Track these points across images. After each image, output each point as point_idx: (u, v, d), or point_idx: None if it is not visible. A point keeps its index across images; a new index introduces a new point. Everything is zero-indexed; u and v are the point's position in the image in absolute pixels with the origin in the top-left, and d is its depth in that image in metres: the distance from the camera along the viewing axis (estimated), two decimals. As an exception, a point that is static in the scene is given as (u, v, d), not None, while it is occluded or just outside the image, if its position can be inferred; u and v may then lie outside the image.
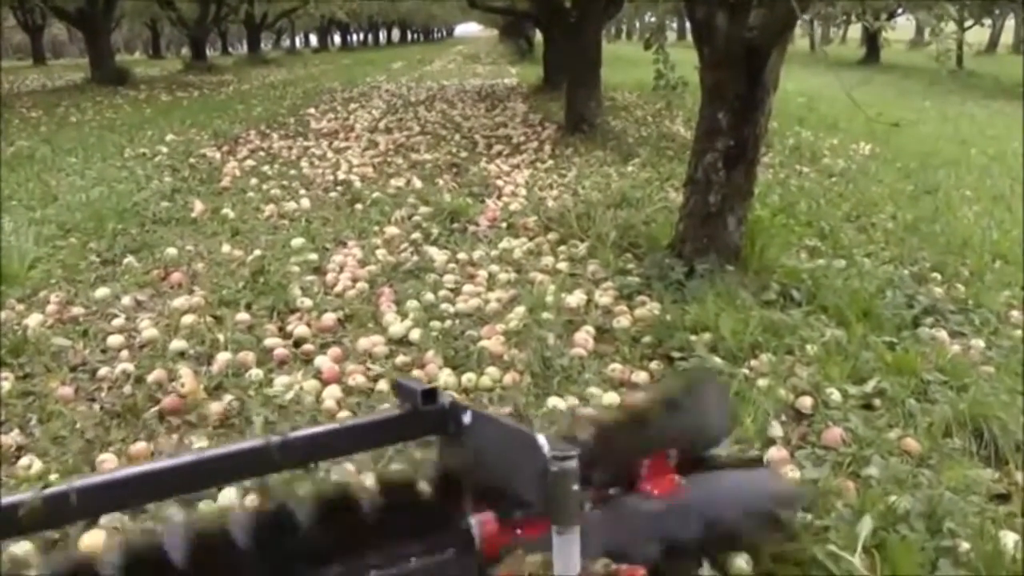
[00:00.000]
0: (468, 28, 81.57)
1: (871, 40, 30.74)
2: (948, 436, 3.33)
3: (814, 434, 3.38)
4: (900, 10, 27.86)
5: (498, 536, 2.13)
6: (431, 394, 2.29)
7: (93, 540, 2.42)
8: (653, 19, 13.00)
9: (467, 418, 2.23)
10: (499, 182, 7.99)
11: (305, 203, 7.19)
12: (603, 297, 4.81)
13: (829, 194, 7.62)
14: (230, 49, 48.40)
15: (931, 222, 6.58)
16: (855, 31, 31.58)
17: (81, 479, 2.09)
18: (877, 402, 3.62)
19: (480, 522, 2.14)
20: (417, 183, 7.92)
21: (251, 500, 2.59)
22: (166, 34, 45.14)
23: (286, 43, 53.84)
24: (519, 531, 2.15)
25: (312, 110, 14.78)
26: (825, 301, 4.60)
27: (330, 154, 9.83)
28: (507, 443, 2.08)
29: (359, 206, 7.10)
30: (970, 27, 29.55)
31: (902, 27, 31.11)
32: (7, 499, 1.87)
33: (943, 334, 4.37)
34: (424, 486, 2.23)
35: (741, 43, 4.63)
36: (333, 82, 21.94)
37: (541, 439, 1.90)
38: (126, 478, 2.07)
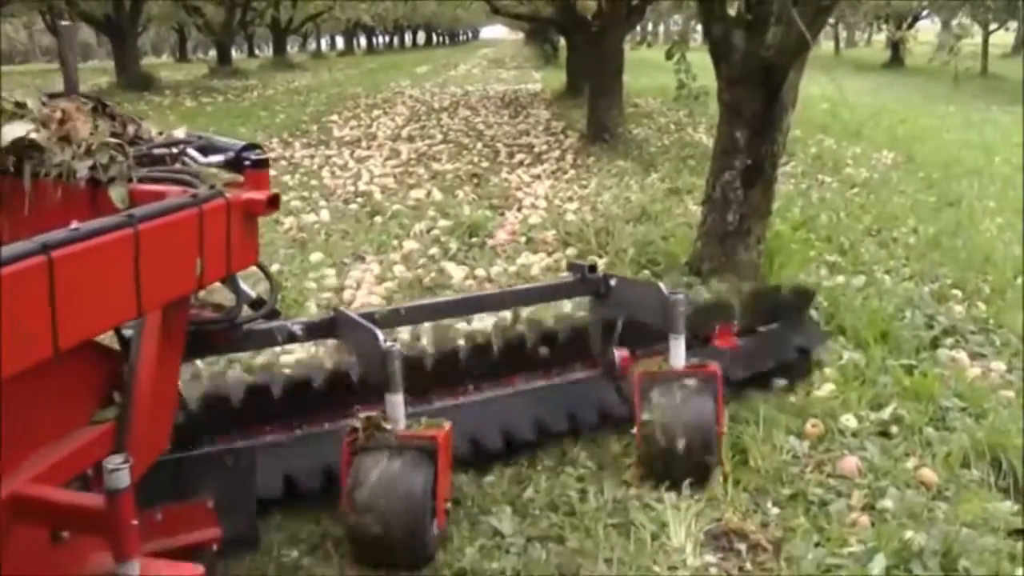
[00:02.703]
0: (494, 31, 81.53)
1: (895, 44, 30.54)
2: (966, 466, 3.29)
3: (830, 463, 3.35)
4: (925, 12, 27.57)
5: (627, 362, 3.58)
6: (593, 268, 3.72)
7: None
8: (678, 23, 12.96)
9: (613, 282, 3.66)
10: (519, 194, 8.00)
11: (325, 215, 7.21)
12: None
13: (850, 206, 7.57)
14: (256, 52, 48.54)
15: (953, 236, 6.52)
16: (881, 32, 31.37)
17: (407, 304, 3.83)
18: (894, 429, 3.59)
19: (618, 353, 3.61)
20: (437, 195, 7.92)
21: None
22: (193, 37, 45.29)
23: (312, 46, 54.00)
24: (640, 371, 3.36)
25: (335, 117, 14.84)
26: (843, 322, 4.56)
27: (352, 164, 9.86)
28: (640, 293, 3.59)
29: (379, 218, 7.11)
30: (994, 31, 29.30)
31: (928, 29, 30.94)
32: (370, 309, 3.66)
33: (963, 356, 4.33)
34: (587, 329, 3.73)
35: (758, 61, 4.61)
36: (357, 87, 22.01)
37: (662, 285, 3.43)
38: (424, 305, 3.71)
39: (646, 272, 5.44)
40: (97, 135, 2.36)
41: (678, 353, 3.27)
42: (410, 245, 6.19)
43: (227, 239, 2.30)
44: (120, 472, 1.89)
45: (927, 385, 3.85)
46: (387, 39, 61.82)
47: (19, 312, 1.72)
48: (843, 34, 44.06)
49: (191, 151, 2.52)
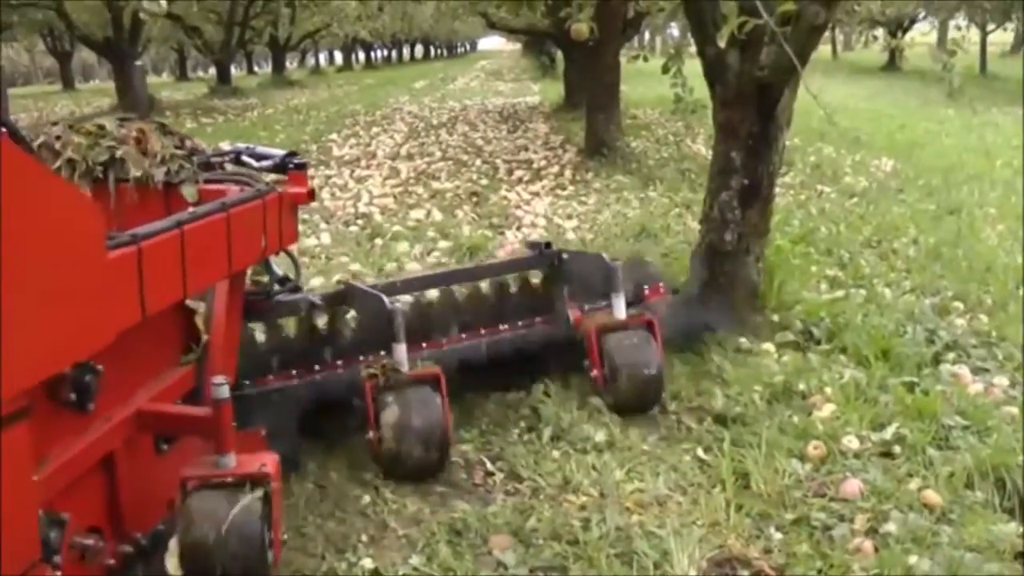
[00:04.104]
0: (491, 42, 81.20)
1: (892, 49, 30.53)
2: (969, 487, 3.28)
3: (832, 485, 3.34)
4: (921, 15, 27.45)
5: (579, 318, 4.18)
6: (548, 245, 4.33)
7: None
8: (674, 37, 12.97)
9: (565, 256, 4.29)
10: (519, 212, 7.99)
11: (325, 238, 7.20)
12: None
13: (850, 217, 7.56)
14: (256, 68, 48.60)
15: (953, 246, 6.50)
16: (877, 40, 31.40)
17: (400, 277, 4.59)
18: (897, 449, 3.57)
19: (571, 311, 4.22)
20: (437, 215, 7.92)
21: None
22: (193, 55, 45.35)
23: (311, 62, 54.05)
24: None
25: (334, 135, 14.83)
26: (844, 339, 4.56)
27: (351, 184, 9.85)
28: (588, 263, 4.29)
29: (379, 240, 7.09)
30: (992, 31, 29.28)
31: (925, 30, 30.90)
32: (372, 282, 4.27)
33: (965, 371, 4.30)
34: (545, 292, 4.34)
35: (753, 81, 4.60)
36: (356, 104, 22.00)
37: (606, 256, 4.25)
38: (414, 278, 4.35)
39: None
40: (167, 148, 3.03)
41: (620, 307, 4.07)
42: (411, 268, 6.18)
43: (279, 222, 3.07)
44: (223, 386, 2.61)
45: (929, 403, 3.83)
46: (385, 53, 61.84)
47: (164, 268, 2.45)
48: (840, 37, 44.12)
49: (245, 158, 3.30)
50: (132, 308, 2.31)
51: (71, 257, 1.98)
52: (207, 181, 3.07)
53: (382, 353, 3.67)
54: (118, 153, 2.94)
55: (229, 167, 3.28)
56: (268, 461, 2.67)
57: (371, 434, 3.49)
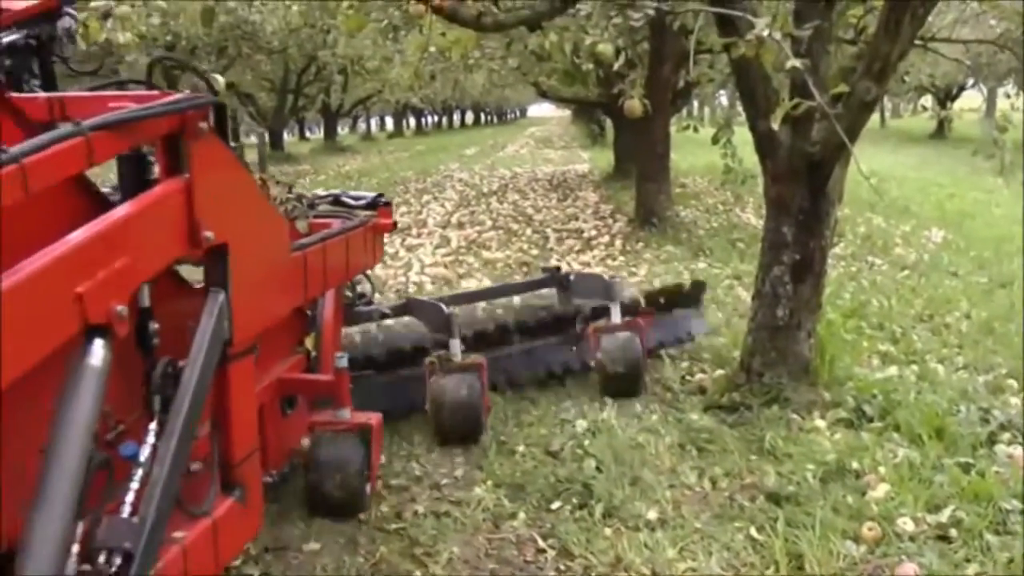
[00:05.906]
0: (541, 109, 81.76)
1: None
2: (1029, 573, 3.23)
3: (888, 568, 3.30)
4: (971, 82, 27.26)
5: (588, 329, 5.21)
6: (558, 269, 5.79)
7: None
8: (723, 106, 13.04)
9: (572, 277, 5.65)
10: (569, 282, 8.00)
11: (377, 308, 7.25)
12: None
13: (901, 289, 7.53)
14: (307, 134, 49.21)
15: (1006, 320, 6.45)
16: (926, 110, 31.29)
17: (444, 295, 6.16)
18: (953, 532, 3.52)
19: (581, 325, 5.31)
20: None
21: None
22: (245, 120, 46.03)
23: (362, 127, 54.66)
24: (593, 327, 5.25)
25: (385, 202, 14.91)
26: (897, 417, 4.52)
27: (402, 252, 9.95)
28: (592, 282, 5.59)
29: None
30: (1045, 98, 29.00)
31: (973, 97, 30.67)
32: (423, 297, 6.13)
33: (1020, 452, 4.24)
34: (558, 310, 5.49)
35: (804, 157, 4.63)
36: (407, 171, 22.25)
37: (607, 275, 6.37)
38: (459, 294, 6.03)
39: (695, 368, 5.47)
40: (282, 193, 3.76)
41: (616, 314, 5.16)
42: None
43: (374, 245, 3.98)
44: (343, 359, 3.70)
45: (985, 485, 3.78)
46: (436, 119, 62.43)
47: (316, 268, 3.28)
48: (888, 105, 44.05)
49: (344, 199, 4.13)
50: (299, 293, 3.23)
51: (278, 254, 2.98)
52: (315, 217, 3.83)
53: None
54: None
55: (324, 207, 4.04)
56: (372, 417, 3.76)
57: (427, 406, 4.54)
